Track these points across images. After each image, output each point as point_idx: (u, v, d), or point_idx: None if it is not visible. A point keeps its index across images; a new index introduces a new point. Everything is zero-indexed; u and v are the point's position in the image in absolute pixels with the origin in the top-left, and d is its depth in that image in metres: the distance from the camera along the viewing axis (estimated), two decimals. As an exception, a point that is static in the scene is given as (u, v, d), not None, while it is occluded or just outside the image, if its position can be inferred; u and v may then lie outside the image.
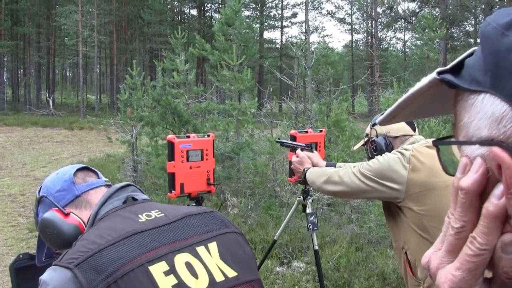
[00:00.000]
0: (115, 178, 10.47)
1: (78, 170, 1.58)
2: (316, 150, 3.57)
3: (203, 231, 1.40)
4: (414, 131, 2.66)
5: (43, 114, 31.11)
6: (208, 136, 3.40)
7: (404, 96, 0.58)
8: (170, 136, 3.24)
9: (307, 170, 2.94)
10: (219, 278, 1.31)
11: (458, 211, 0.49)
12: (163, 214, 1.42)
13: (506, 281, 0.47)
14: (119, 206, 1.47)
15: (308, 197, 3.89)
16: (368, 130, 2.79)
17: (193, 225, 1.41)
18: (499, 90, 0.46)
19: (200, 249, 1.34)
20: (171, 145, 3.20)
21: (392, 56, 47.13)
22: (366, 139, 2.80)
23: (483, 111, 0.48)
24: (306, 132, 3.65)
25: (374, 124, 2.70)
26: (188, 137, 3.33)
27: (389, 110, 0.62)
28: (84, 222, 1.54)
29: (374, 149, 2.66)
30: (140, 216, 1.39)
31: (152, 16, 39.54)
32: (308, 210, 3.87)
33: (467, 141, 0.50)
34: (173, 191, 3.24)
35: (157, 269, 1.23)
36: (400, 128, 2.63)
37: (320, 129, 3.76)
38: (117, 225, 1.35)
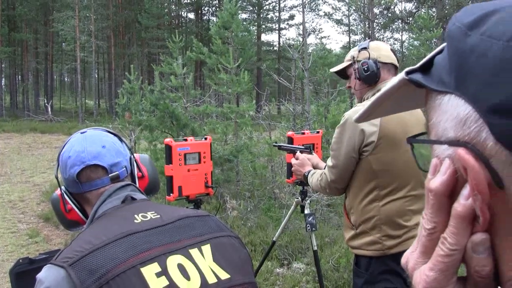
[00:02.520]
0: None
1: (85, 167, 1.55)
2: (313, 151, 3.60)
3: (197, 234, 1.42)
4: (398, 62, 2.74)
5: (41, 120, 31.06)
6: (206, 139, 3.41)
7: (377, 95, 0.59)
8: (168, 140, 3.25)
9: (307, 174, 2.99)
10: (211, 280, 1.32)
11: (429, 212, 0.49)
12: (158, 216, 1.43)
13: (478, 280, 0.47)
14: (117, 206, 1.50)
15: (306, 198, 3.90)
16: (354, 53, 2.77)
17: (187, 228, 1.42)
18: (463, 92, 0.46)
19: (193, 251, 1.36)
20: (168, 149, 3.22)
21: (389, 57, 47.07)
22: (350, 61, 2.79)
23: (449, 112, 0.48)
24: (303, 133, 3.66)
25: (364, 48, 2.74)
26: (186, 140, 3.34)
27: (364, 108, 0.62)
28: (86, 215, 1.61)
29: (366, 69, 2.65)
30: (136, 216, 1.41)
31: (150, 21, 39.52)
32: (307, 211, 3.88)
33: (436, 141, 0.50)
34: (171, 194, 3.25)
35: (149, 271, 1.25)
36: (388, 55, 2.70)
37: (317, 130, 3.78)
38: (112, 226, 1.38)
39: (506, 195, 0.44)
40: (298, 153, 3.18)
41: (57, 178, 1.70)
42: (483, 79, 0.44)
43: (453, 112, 0.48)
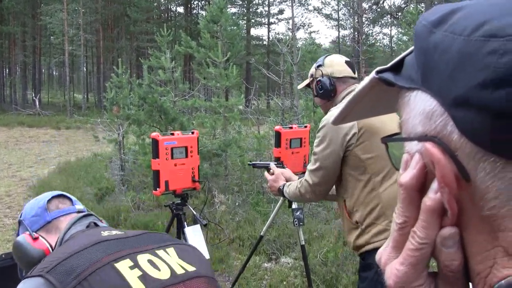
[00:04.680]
0: (103, 177, 10.42)
1: (54, 197, 1.77)
2: (301, 145, 3.61)
3: (160, 241, 1.57)
4: (354, 73, 2.88)
5: (29, 114, 30.81)
6: (193, 133, 3.40)
7: (351, 96, 0.60)
8: (154, 134, 3.24)
9: (283, 188, 3.03)
10: (179, 271, 1.45)
11: (400, 207, 0.50)
12: (122, 232, 1.58)
13: (448, 274, 0.48)
14: (82, 230, 1.64)
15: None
16: (312, 70, 2.93)
17: (150, 238, 1.57)
18: (428, 86, 0.48)
19: (160, 252, 1.49)
20: (155, 143, 3.20)
21: (378, 52, 47.23)
22: (310, 79, 2.95)
23: (416, 108, 0.49)
24: (291, 127, 3.67)
25: (319, 65, 2.88)
26: (173, 134, 3.33)
27: (340, 110, 0.63)
28: (51, 246, 1.70)
29: (320, 88, 2.82)
30: (102, 232, 1.55)
31: (139, 14, 39.31)
32: (294, 206, 3.89)
33: (407, 138, 0.51)
34: (158, 189, 3.24)
35: (123, 265, 1.36)
36: (342, 70, 2.84)
37: (305, 125, 3.79)
38: (82, 240, 1.49)
39: (472, 188, 0.45)
40: (273, 168, 3.20)
41: (19, 223, 1.81)
42: (445, 73, 0.46)
43: (420, 108, 0.49)
